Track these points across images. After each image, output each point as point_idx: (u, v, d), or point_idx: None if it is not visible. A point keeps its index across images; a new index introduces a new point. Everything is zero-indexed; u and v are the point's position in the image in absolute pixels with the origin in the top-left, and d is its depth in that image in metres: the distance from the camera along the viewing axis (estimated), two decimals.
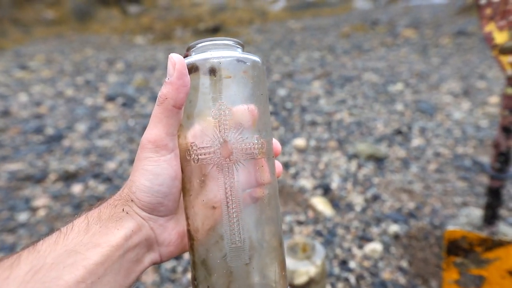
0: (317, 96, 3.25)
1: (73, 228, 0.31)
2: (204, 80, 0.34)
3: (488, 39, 0.97)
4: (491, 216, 1.29)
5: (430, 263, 1.37)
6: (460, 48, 4.53)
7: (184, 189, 0.36)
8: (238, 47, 0.37)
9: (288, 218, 1.66)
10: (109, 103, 3.43)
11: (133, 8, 9.80)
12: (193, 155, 0.34)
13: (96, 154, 2.41)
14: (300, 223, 1.63)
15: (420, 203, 1.72)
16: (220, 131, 0.34)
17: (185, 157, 0.35)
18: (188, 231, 0.35)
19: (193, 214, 0.34)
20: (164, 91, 0.33)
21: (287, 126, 2.64)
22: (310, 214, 1.69)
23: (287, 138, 2.45)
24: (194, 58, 0.35)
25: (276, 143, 0.40)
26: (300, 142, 2.35)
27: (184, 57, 0.36)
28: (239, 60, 0.34)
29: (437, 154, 2.16)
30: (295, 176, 2.01)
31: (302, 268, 1.00)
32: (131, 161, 2.28)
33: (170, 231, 0.36)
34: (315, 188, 1.88)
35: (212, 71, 0.34)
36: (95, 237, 0.30)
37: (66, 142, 2.60)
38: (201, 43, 0.36)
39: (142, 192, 0.33)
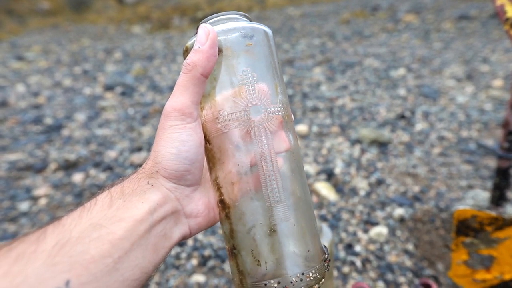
0: (319, 82, 3.21)
1: (96, 203, 0.30)
2: (227, 50, 0.35)
3: (500, 12, 0.93)
4: (498, 198, 1.27)
5: (436, 245, 1.36)
6: (463, 32, 4.47)
7: (214, 159, 0.36)
8: (246, 20, 0.39)
9: None
10: (108, 92, 3.39)
11: None
12: (223, 122, 0.35)
13: (96, 143, 2.38)
14: None
15: (425, 186, 1.70)
16: (248, 96, 0.34)
17: (214, 126, 0.35)
18: (222, 200, 0.35)
19: (227, 181, 0.35)
20: (194, 58, 0.33)
21: None
22: (314, 199, 1.68)
23: None
24: (216, 29, 0.35)
25: None
26: (302, 128, 2.32)
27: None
28: (257, 29, 0.36)
29: (441, 138, 2.14)
30: None
31: None
32: (132, 150, 2.26)
33: (197, 202, 0.36)
34: (319, 173, 1.86)
35: (235, 41, 0.35)
36: (119, 211, 0.29)
37: (65, 132, 2.57)
38: (216, 17, 0.37)
39: (169, 160, 0.33)
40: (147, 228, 0.30)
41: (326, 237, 1.00)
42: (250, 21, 0.39)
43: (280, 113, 0.36)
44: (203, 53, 0.33)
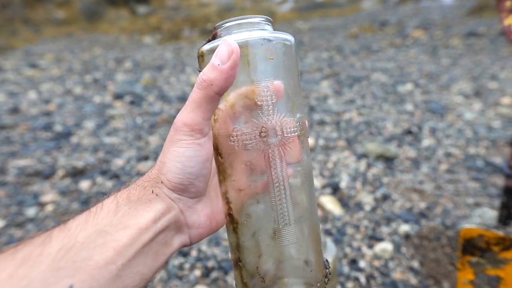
0: (326, 96, 3.22)
1: (102, 208, 0.31)
2: (245, 61, 0.33)
3: (507, 32, 0.94)
4: (506, 217, 1.26)
5: (442, 263, 1.34)
6: (471, 49, 4.48)
7: (225, 174, 0.35)
8: (268, 24, 0.36)
9: None
10: (117, 101, 3.44)
11: (141, 9, 9.86)
12: (237, 140, 0.34)
13: (104, 151, 2.41)
14: None
15: (431, 203, 1.69)
16: (264, 114, 0.33)
17: (227, 142, 0.34)
18: (230, 215, 0.35)
19: (237, 198, 0.35)
20: (211, 76, 0.31)
21: None
22: (319, 213, 1.67)
23: None
24: (233, 39, 0.33)
25: None
26: (308, 141, 2.33)
27: (213, 38, 0.35)
28: (277, 40, 0.33)
29: (448, 155, 2.12)
30: None
31: None
32: (139, 158, 2.28)
33: (199, 213, 0.36)
34: (324, 187, 1.86)
35: (253, 53, 0.33)
36: (125, 218, 0.30)
37: (74, 139, 2.61)
38: (233, 21, 0.35)
39: (174, 173, 0.33)
40: (151, 237, 0.31)
41: (330, 252, 0.99)
42: (272, 26, 0.37)
43: (296, 133, 0.35)
44: (222, 73, 0.31)
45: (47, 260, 0.26)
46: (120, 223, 0.30)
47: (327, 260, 0.38)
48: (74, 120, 2.99)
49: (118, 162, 2.24)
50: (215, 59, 0.31)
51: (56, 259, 0.26)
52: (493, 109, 2.68)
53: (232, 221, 0.35)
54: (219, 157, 0.35)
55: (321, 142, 2.35)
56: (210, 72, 0.31)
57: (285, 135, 0.34)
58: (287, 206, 0.34)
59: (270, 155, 0.33)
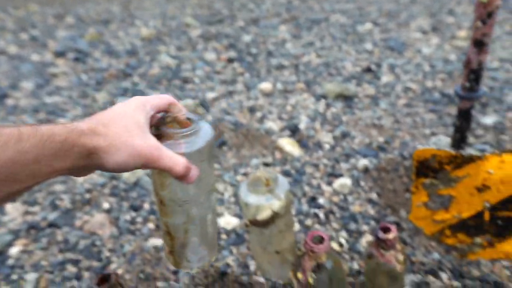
0: (284, 40, 3.08)
1: (49, 138, 0.37)
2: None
3: None
4: (459, 140, 1.25)
5: (399, 193, 1.34)
6: None
7: (167, 215, 0.52)
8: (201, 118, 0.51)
9: (254, 161, 1.57)
10: (59, 59, 3.13)
11: None
12: (177, 203, 0.51)
13: (45, 112, 2.20)
14: (267, 164, 1.55)
15: (390, 137, 1.68)
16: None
17: (172, 203, 0.51)
18: (168, 233, 0.54)
19: (175, 227, 0.53)
20: (175, 166, 0.44)
21: (252, 72, 2.50)
22: (278, 155, 1.61)
23: (252, 83, 2.31)
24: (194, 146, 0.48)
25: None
26: (266, 86, 2.22)
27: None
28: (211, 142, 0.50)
29: (407, 89, 2.10)
30: (262, 119, 1.91)
31: (265, 203, 0.92)
32: (85, 116, 2.09)
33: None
34: (282, 129, 1.80)
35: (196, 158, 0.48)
36: (55, 159, 0.38)
37: (10, 101, 2.35)
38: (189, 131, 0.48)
39: (113, 164, 0.42)
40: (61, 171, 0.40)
41: (282, 188, 0.93)
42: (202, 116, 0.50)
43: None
44: (179, 171, 0.44)
45: (5, 156, 0.33)
46: (51, 160, 0.38)
47: None
48: (9, 81, 2.68)
49: (62, 122, 2.05)
50: (180, 167, 0.44)
51: (10, 160, 0.34)
52: (449, 42, 2.67)
53: (171, 237, 0.54)
54: (165, 207, 0.51)
55: (279, 86, 2.25)
56: (177, 164, 0.44)
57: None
58: (202, 231, 0.56)
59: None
